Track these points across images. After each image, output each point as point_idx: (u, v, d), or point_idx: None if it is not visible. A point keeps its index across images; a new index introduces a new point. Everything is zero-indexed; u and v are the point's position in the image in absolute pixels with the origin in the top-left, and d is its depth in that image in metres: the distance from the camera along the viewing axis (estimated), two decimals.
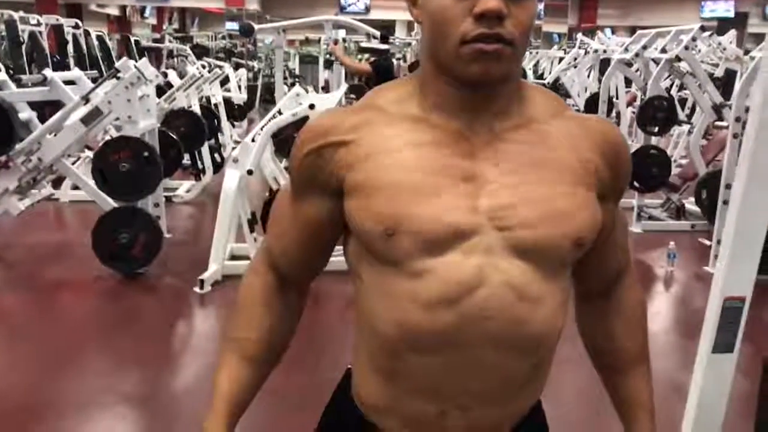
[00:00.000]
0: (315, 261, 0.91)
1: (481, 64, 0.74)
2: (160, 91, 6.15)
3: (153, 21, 22.26)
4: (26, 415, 2.53)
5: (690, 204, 5.51)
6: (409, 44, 17.57)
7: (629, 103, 7.07)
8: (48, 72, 4.05)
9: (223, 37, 17.77)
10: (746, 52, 8.19)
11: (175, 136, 4.81)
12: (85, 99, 3.79)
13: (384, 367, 0.83)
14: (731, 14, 17.01)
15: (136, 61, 3.85)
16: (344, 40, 14.33)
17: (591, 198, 0.80)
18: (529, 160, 0.78)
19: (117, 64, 3.82)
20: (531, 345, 0.79)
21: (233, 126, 8.78)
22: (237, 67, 11.26)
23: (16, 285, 4.03)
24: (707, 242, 4.70)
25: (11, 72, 9.07)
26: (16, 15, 10.55)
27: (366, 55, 7.81)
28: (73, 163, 5.37)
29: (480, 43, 0.73)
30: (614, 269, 0.93)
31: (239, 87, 9.66)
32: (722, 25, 13.38)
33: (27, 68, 10.10)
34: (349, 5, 18.27)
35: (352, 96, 7.30)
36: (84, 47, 12.10)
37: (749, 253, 1.61)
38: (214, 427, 0.88)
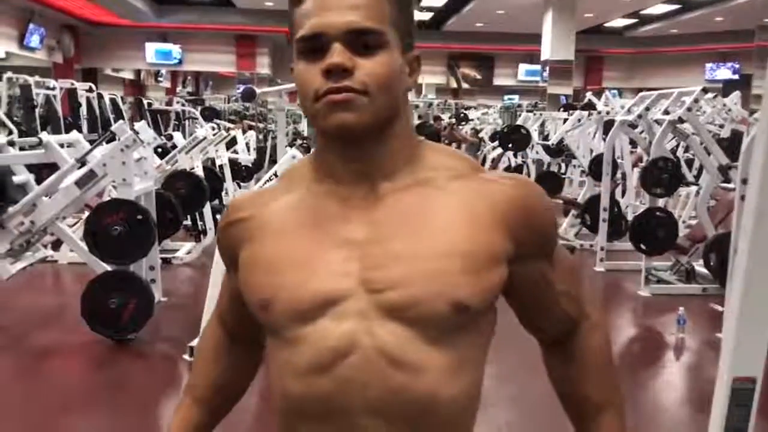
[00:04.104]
0: (249, 323, 0.91)
1: (334, 115, 0.76)
2: (167, 152, 6.17)
3: (167, 84, 22.78)
4: None
5: (700, 267, 5.37)
6: (417, 106, 17.81)
7: (635, 164, 7.01)
8: (44, 135, 4.05)
9: (236, 100, 18.10)
10: (751, 113, 8.17)
11: (173, 199, 4.77)
12: (81, 162, 3.77)
13: (282, 429, 0.84)
14: (736, 76, 17.16)
15: (149, 123, 3.85)
16: None
17: (483, 261, 0.77)
18: (409, 223, 0.78)
19: (113, 127, 3.81)
20: (415, 415, 0.76)
21: (239, 187, 8.79)
22: (248, 128, 11.37)
23: (4, 350, 3.92)
24: (719, 308, 4.53)
25: (24, 133, 9.24)
26: (31, 79, 10.82)
27: None
28: (72, 225, 5.34)
29: (330, 95, 0.76)
30: (564, 320, 0.92)
31: (248, 148, 9.72)
32: (727, 87, 13.46)
33: (39, 130, 10.29)
34: None
35: None
36: (97, 110, 12.35)
37: (758, 330, 1.48)
38: None
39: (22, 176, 4.05)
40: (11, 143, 4.12)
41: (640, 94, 6.05)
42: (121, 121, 4.05)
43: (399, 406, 0.75)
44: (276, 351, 0.81)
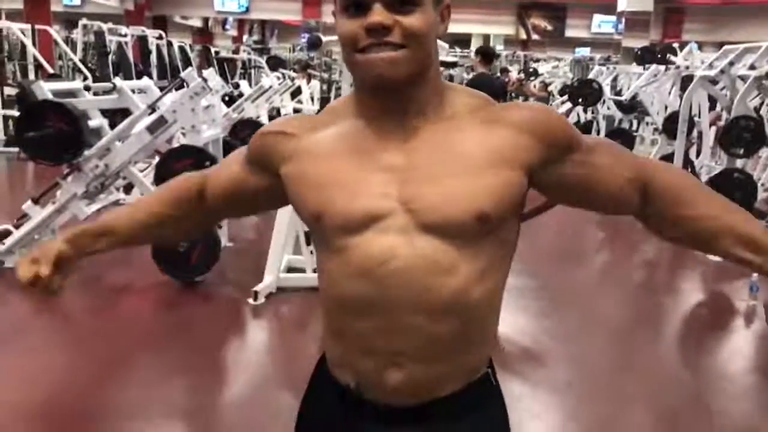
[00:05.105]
0: (233, 207, 1.11)
1: (375, 69, 0.87)
2: (233, 101, 6.26)
3: (234, 33, 22.96)
4: (73, 421, 2.54)
5: None
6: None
7: (713, 123, 6.67)
8: (117, 80, 4.15)
9: (301, 49, 18.10)
10: None
11: (239, 147, 4.84)
12: (151, 108, 3.85)
13: (333, 327, 0.98)
14: None
15: (216, 70, 3.90)
16: None
17: (503, 178, 0.89)
18: (438, 152, 0.90)
19: (182, 74, 3.87)
20: (445, 309, 0.90)
21: None
22: (311, 78, 11.38)
23: (80, 287, 4.12)
24: None
25: (98, 78, 9.52)
26: (104, 26, 11.08)
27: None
28: (144, 170, 5.50)
29: (372, 53, 0.87)
30: (629, 188, 0.96)
31: (312, 98, 9.75)
32: None
33: (112, 76, 10.58)
34: None
35: None
36: (166, 57, 12.59)
37: None
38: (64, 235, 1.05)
39: (96, 120, 4.18)
40: (87, 88, 4.25)
41: (724, 47, 5.70)
42: (190, 69, 4.11)
43: (430, 302, 0.89)
44: (327, 259, 0.94)
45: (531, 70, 13.85)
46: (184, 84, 3.89)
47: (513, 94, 11.46)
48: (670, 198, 0.96)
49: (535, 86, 12.28)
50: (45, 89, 3.93)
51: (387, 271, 0.88)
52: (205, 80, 3.85)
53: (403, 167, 0.90)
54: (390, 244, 0.88)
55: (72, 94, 4.22)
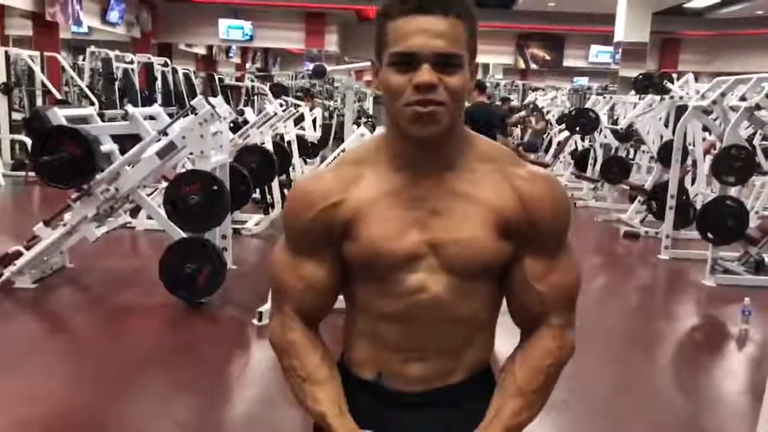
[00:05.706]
0: (333, 301, 1.19)
1: (419, 125, 1.00)
2: (237, 127, 6.40)
3: (237, 60, 23.28)
4: None
5: None
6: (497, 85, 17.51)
7: (707, 151, 6.81)
8: (129, 107, 4.29)
9: (303, 77, 18.34)
10: None
11: (245, 172, 4.97)
12: (162, 133, 3.99)
13: (366, 333, 1.15)
14: None
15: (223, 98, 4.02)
16: None
17: (502, 235, 1.07)
18: (461, 204, 1.06)
19: (192, 102, 4.00)
20: (460, 322, 1.12)
21: (305, 163, 9.00)
22: (313, 105, 11.55)
23: (88, 307, 4.22)
24: None
25: (104, 105, 9.69)
26: (111, 54, 11.29)
27: None
28: (150, 194, 5.63)
29: (417, 107, 0.99)
30: (527, 314, 1.14)
31: (314, 125, 9.89)
32: None
33: (119, 102, 10.77)
34: None
35: None
36: (171, 84, 12.80)
37: None
38: (344, 427, 1.11)
39: (107, 146, 4.31)
40: (100, 114, 4.38)
41: (717, 78, 5.86)
42: (200, 96, 4.25)
43: (450, 317, 1.11)
44: (363, 285, 1.12)
45: (531, 105, 14.04)
46: (191, 111, 4.03)
47: (511, 123, 11.66)
48: (527, 349, 1.15)
49: (534, 113, 12.48)
50: (59, 115, 4.07)
51: (418, 299, 1.09)
52: (213, 107, 3.99)
53: (433, 216, 1.07)
54: (421, 279, 1.08)
55: (84, 120, 4.36)
